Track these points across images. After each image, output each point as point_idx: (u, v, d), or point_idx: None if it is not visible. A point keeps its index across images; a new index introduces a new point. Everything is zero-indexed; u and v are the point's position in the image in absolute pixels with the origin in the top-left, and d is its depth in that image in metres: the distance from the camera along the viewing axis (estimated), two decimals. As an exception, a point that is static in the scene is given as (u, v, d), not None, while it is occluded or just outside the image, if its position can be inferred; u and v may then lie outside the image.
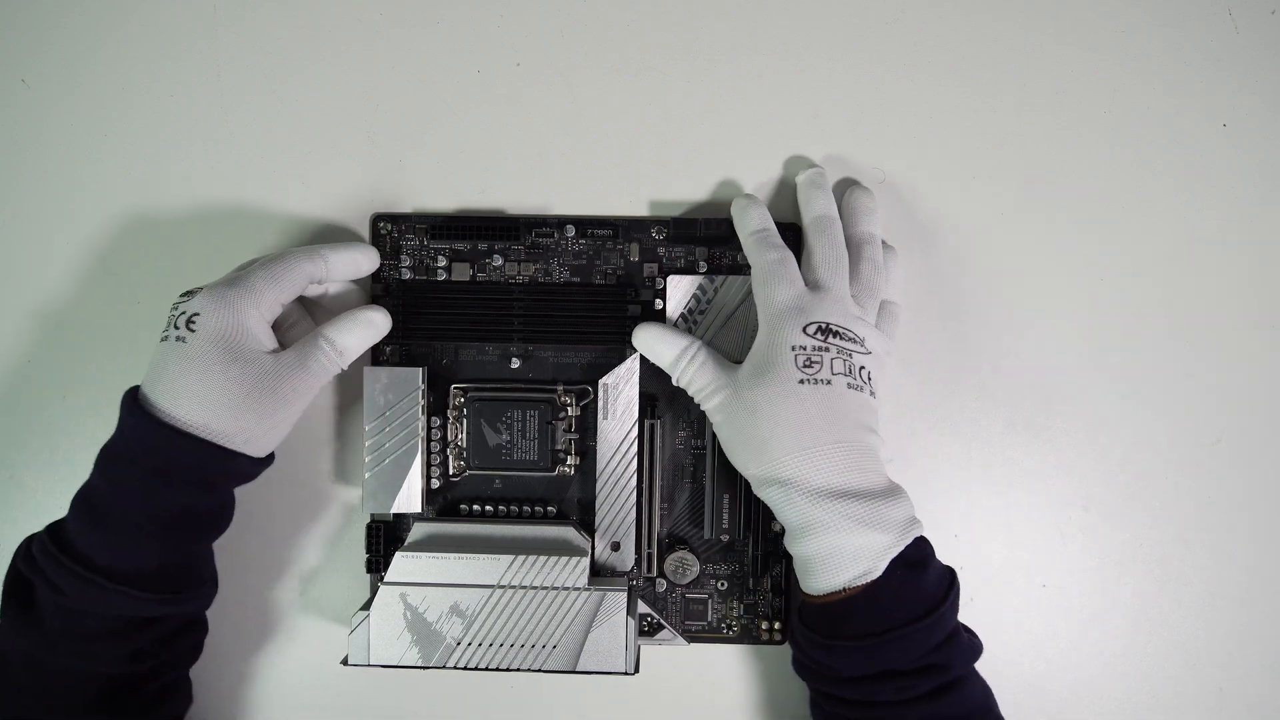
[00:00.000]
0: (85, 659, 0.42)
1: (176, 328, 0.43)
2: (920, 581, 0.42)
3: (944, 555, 0.44)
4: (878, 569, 0.41)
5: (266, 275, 0.44)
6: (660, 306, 0.49)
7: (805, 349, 0.43)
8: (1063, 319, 0.51)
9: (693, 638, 0.50)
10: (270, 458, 0.46)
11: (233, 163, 0.51)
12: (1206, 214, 0.50)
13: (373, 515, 0.50)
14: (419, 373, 0.49)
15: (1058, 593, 0.51)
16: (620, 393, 0.48)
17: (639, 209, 0.51)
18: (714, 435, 0.49)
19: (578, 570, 0.46)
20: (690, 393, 0.46)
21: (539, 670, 0.45)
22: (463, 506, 0.50)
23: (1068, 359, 0.51)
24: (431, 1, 0.51)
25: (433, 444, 0.50)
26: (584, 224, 0.50)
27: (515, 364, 0.50)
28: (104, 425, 0.44)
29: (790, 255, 0.46)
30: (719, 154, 0.51)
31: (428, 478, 0.50)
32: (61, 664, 0.42)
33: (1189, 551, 0.51)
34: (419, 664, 0.46)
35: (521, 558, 0.46)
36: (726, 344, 0.48)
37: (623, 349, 0.49)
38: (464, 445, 0.50)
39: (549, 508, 0.50)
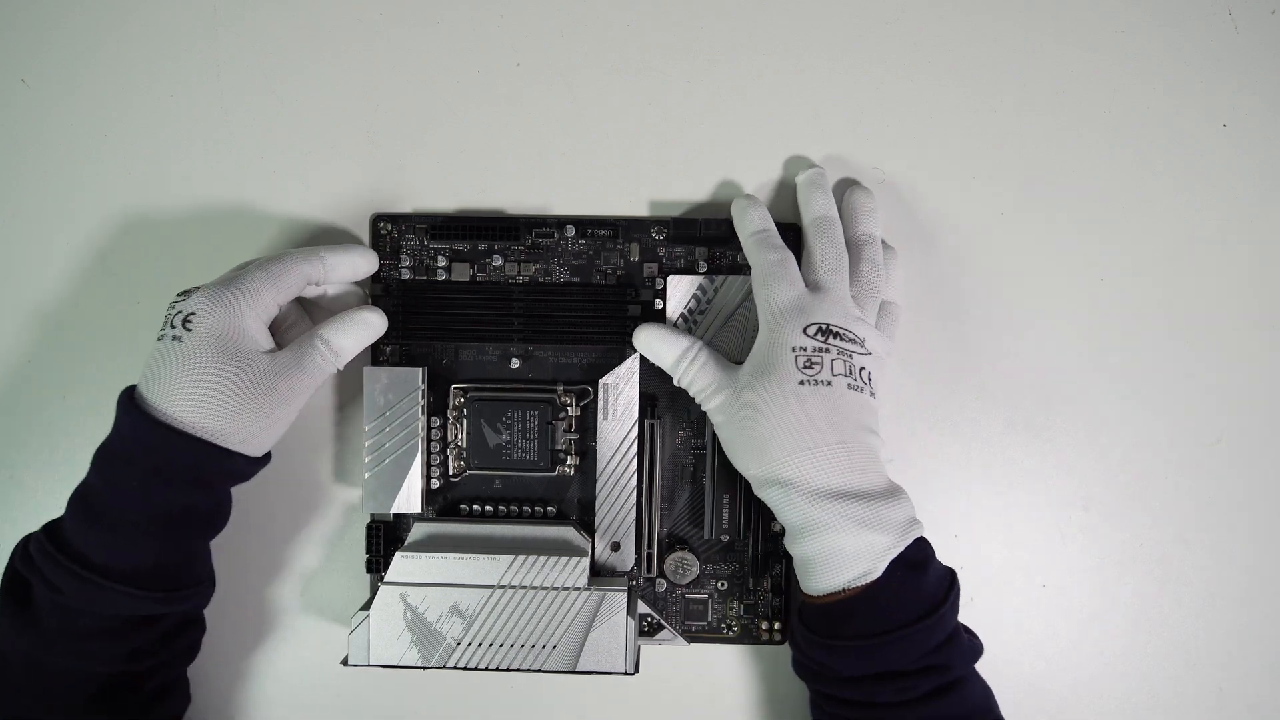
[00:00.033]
0: (83, 658, 0.42)
1: (173, 327, 0.43)
2: (920, 582, 0.42)
3: (944, 555, 0.44)
4: (878, 570, 0.41)
5: (264, 276, 0.44)
6: (660, 306, 0.49)
7: (805, 350, 0.43)
8: (1063, 319, 0.51)
9: (693, 638, 0.50)
10: (267, 457, 0.46)
11: (233, 163, 0.51)
12: (1206, 214, 0.50)
13: (373, 515, 0.50)
14: (419, 373, 0.49)
15: (1058, 593, 0.51)
16: (620, 393, 0.48)
17: (639, 209, 0.51)
18: (714, 435, 0.49)
19: (578, 570, 0.46)
20: (691, 393, 0.46)
21: (539, 670, 0.45)
22: (463, 506, 0.50)
23: (1068, 359, 0.51)
24: (431, 1, 0.51)
25: (433, 444, 0.50)
26: (584, 224, 0.50)
27: (515, 364, 0.50)
28: (104, 425, 0.43)
29: (790, 256, 0.46)
30: (719, 154, 0.51)
31: (428, 478, 0.50)
32: (59, 663, 0.42)
33: (1189, 551, 0.51)
34: (419, 664, 0.46)
35: (521, 558, 0.46)
36: (726, 344, 0.48)
37: (623, 349, 0.49)
38: (464, 445, 0.50)
39: (549, 508, 0.50)
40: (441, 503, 0.50)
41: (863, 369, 0.44)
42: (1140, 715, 0.51)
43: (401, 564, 0.47)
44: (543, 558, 0.46)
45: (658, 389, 0.50)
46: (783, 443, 0.42)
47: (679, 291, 0.48)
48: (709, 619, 0.50)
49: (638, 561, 0.49)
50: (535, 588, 0.46)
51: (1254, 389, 0.50)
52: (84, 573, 0.41)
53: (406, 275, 0.50)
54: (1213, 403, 0.50)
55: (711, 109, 0.51)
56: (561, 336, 0.50)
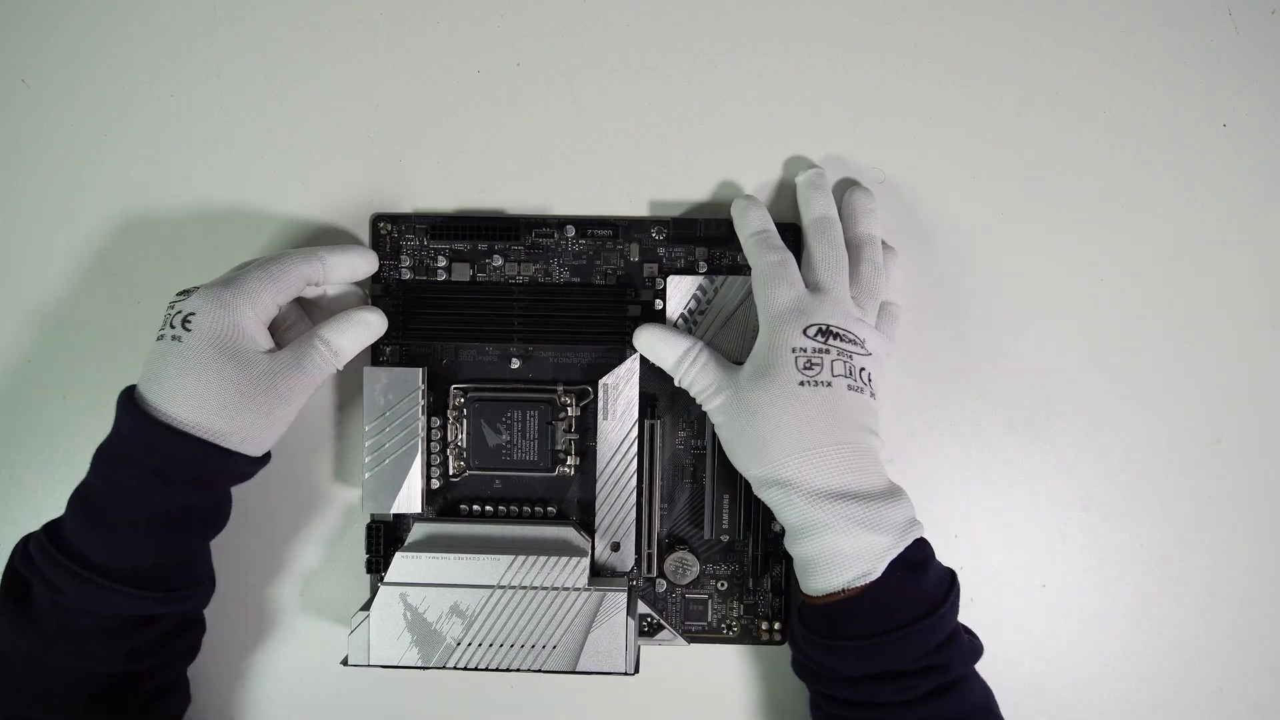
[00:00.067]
0: (82, 658, 0.42)
1: (172, 326, 0.43)
2: (920, 583, 0.42)
3: (944, 555, 0.44)
4: (877, 570, 0.41)
5: (263, 276, 0.44)
6: (660, 307, 0.49)
7: (805, 351, 0.43)
8: (1063, 319, 0.51)
9: (693, 638, 0.50)
10: (267, 457, 0.46)
11: (233, 163, 0.51)
12: (1206, 214, 0.50)
13: (373, 515, 0.50)
14: (419, 373, 0.49)
15: (1058, 593, 0.51)
16: (620, 393, 0.48)
17: (639, 209, 0.51)
18: (714, 435, 0.49)
19: (578, 570, 0.46)
20: (692, 394, 0.46)
21: (539, 670, 0.45)
22: (463, 507, 0.50)
23: (1068, 359, 0.51)
24: (431, 1, 0.51)
25: (433, 444, 0.50)
26: (584, 224, 0.50)
27: (515, 364, 0.50)
28: (103, 425, 0.43)
29: (790, 257, 0.46)
30: (719, 154, 0.51)
31: (428, 478, 0.50)
32: (59, 663, 0.42)
33: (1189, 551, 0.51)
34: (419, 664, 0.46)
35: (521, 558, 0.46)
36: (726, 344, 0.48)
37: (623, 349, 0.49)
38: (464, 445, 0.50)
39: (549, 508, 0.50)
40: (441, 503, 0.50)
41: (863, 369, 0.44)
42: (1140, 715, 0.51)
43: (401, 564, 0.47)
44: (543, 558, 0.46)
45: (658, 389, 0.50)
46: (783, 443, 0.42)
47: (679, 291, 0.48)
48: (709, 619, 0.50)
49: (638, 561, 0.49)
50: (535, 588, 0.46)
51: (1254, 389, 0.50)
52: (84, 572, 0.41)
53: (406, 275, 0.50)
54: (1213, 403, 0.50)
55: (711, 109, 0.51)
56: (561, 336, 0.50)
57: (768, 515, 0.50)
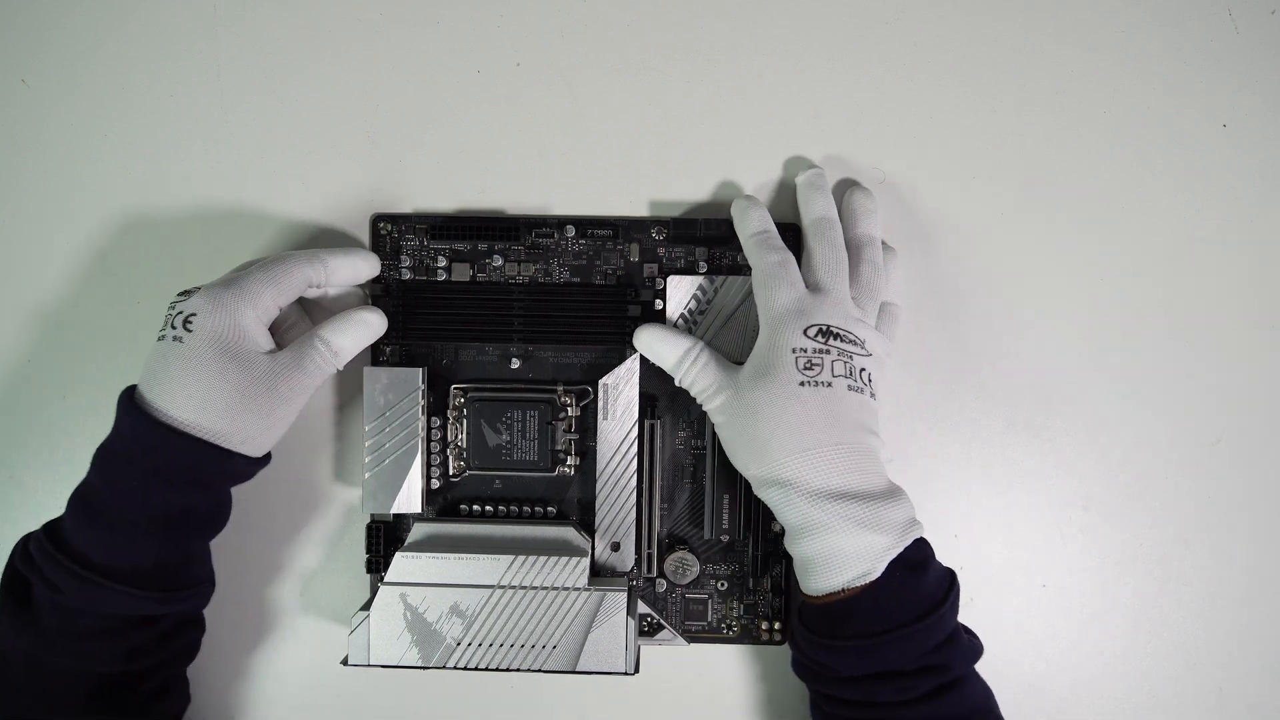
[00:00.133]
0: (82, 658, 0.42)
1: (173, 327, 0.43)
2: (920, 583, 0.42)
3: (944, 555, 0.44)
4: (877, 570, 0.41)
5: (264, 277, 0.44)
6: (660, 307, 0.49)
7: (806, 351, 0.43)
8: (1063, 319, 0.51)
9: (693, 638, 0.50)
10: (267, 458, 0.46)
11: (233, 163, 0.51)
12: (1206, 214, 0.50)
13: (373, 515, 0.50)
14: (419, 373, 0.49)
15: (1058, 593, 0.51)
16: (620, 393, 0.48)
17: (639, 209, 0.51)
18: (714, 435, 0.49)
19: (578, 570, 0.46)
20: (692, 394, 0.46)
21: (539, 670, 0.45)
22: (463, 507, 0.50)
23: (1068, 359, 0.51)
24: (431, 1, 0.51)
25: (433, 444, 0.50)
26: (584, 224, 0.50)
27: (515, 364, 0.50)
28: (104, 425, 0.44)
29: (790, 257, 0.46)
30: (719, 154, 0.51)
31: (428, 478, 0.50)
32: (59, 663, 0.42)
33: (1189, 551, 0.51)
34: (419, 664, 0.46)
35: (521, 558, 0.46)
36: (726, 344, 0.48)
37: (623, 349, 0.49)
38: (464, 445, 0.50)
39: (549, 508, 0.50)
40: (441, 503, 0.50)
41: (863, 370, 0.44)
42: (1140, 715, 0.51)
43: (401, 564, 0.47)
44: (543, 558, 0.46)
45: (658, 389, 0.50)
46: (783, 443, 0.42)
47: (679, 292, 0.48)
48: (709, 619, 0.50)
49: (638, 561, 0.49)
50: (535, 588, 0.46)
51: (1254, 389, 0.50)
52: (83, 572, 0.41)
53: (406, 275, 0.50)
54: (1213, 403, 0.50)
55: (711, 109, 0.51)
56: (561, 336, 0.50)
57: (768, 515, 0.50)
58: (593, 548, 0.48)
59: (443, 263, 0.50)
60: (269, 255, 0.46)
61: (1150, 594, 0.51)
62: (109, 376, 0.51)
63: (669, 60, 0.50)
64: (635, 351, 0.48)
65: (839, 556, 0.41)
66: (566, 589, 0.46)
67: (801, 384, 0.42)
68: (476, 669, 0.45)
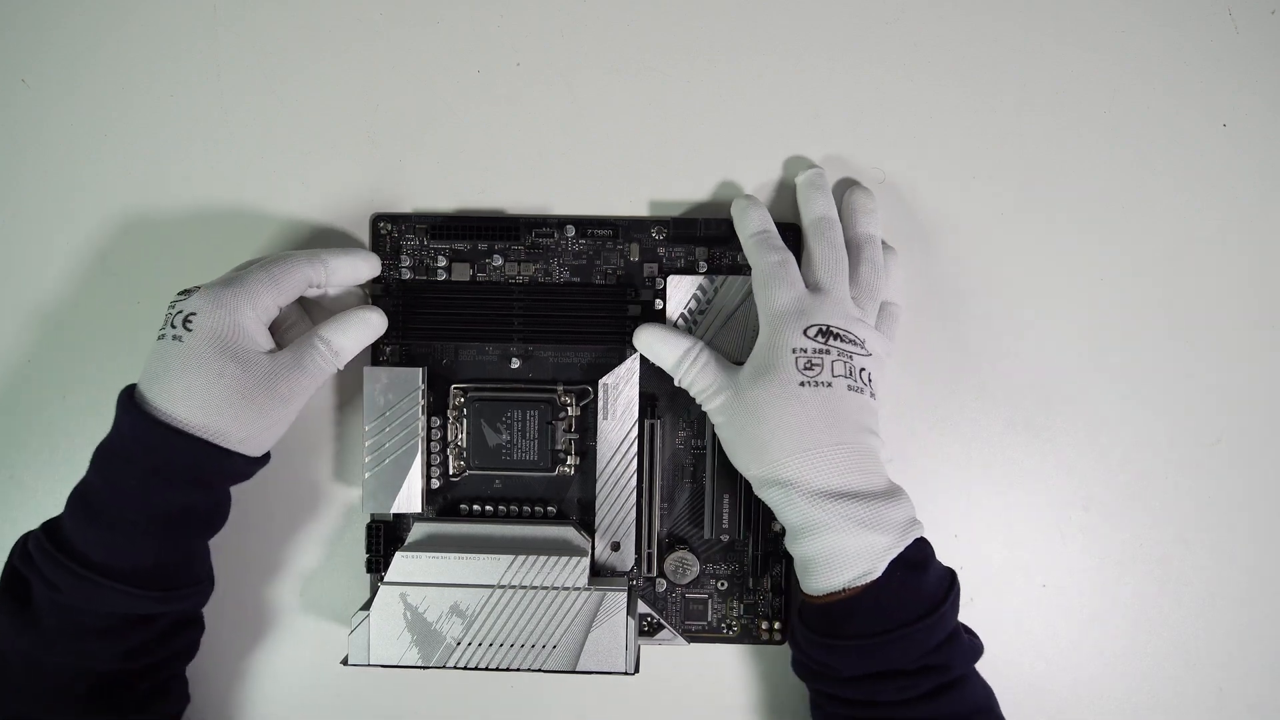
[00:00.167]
0: (81, 657, 0.42)
1: (173, 326, 0.43)
2: (920, 582, 0.42)
3: (944, 555, 0.44)
4: (878, 570, 0.41)
5: (265, 277, 0.44)
6: (660, 306, 0.49)
7: (806, 351, 0.43)
8: (1063, 319, 0.51)
9: (693, 638, 0.50)
10: (266, 457, 0.46)
11: (233, 163, 0.51)
12: (1206, 214, 0.50)
13: (373, 515, 0.50)
14: (419, 373, 0.49)
15: (1058, 593, 0.51)
16: (620, 393, 0.48)
17: (639, 209, 0.51)
18: (714, 435, 0.49)
19: (578, 570, 0.46)
20: (692, 394, 0.46)
21: (539, 670, 0.45)
22: (463, 506, 0.50)
23: (1068, 359, 0.51)
24: (431, 1, 0.51)
25: (433, 444, 0.50)
26: (584, 224, 0.50)
27: (515, 364, 0.50)
28: (103, 425, 0.44)
29: (790, 257, 0.46)
30: (719, 154, 0.51)
31: (428, 478, 0.50)
32: (58, 662, 0.42)
33: (1189, 551, 0.51)
34: (419, 664, 0.46)
35: (521, 558, 0.46)
36: (726, 344, 0.48)
37: (623, 349, 0.49)
38: (464, 445, 0.50)
39: (549, 508, 0.50)
40: (441, 503, 0.50)
41: (863, 370, 0.44)
42: (1140, 715, 0.51)
43: (401, 564, 0.47)
44: (543, 558, 0.46)
45: (658, 389, 0.50)
46: (783, 443, 0.42)
47: (679, 291, 0.48)
48: (709, 619, 0.50)
49: (638, 561, 0.49)
50: (535, 588, 0.46)
51: (1254, 389, 0.50)
52: (82, 571, 0.41)
53: (406, 275, 0.50)
54: (1213, 403, 0.50)
55: (711, 109, 0.51)
56: (561, 336, 0.50)
57: (768, 515, 0.50)
58: (593, 547, 0.48)
59: (443, 262, 0.50)
60: (269, 255, 0.46)
61: (1150, 594, 0.51)
62: (109, 376, 0.51)
63: (669, 60, 0.50)
64: (635, 351, 0.48)
65: (840, 556, 0.41)
66: (566, 589, 0.46)
67: (802, 384, 0.42)
68: (476, 669, 0.45)
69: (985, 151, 0.50)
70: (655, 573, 0.50)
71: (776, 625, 0.50)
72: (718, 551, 0.50)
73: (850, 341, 0.43)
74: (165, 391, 0.42)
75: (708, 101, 0.51)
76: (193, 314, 0.43)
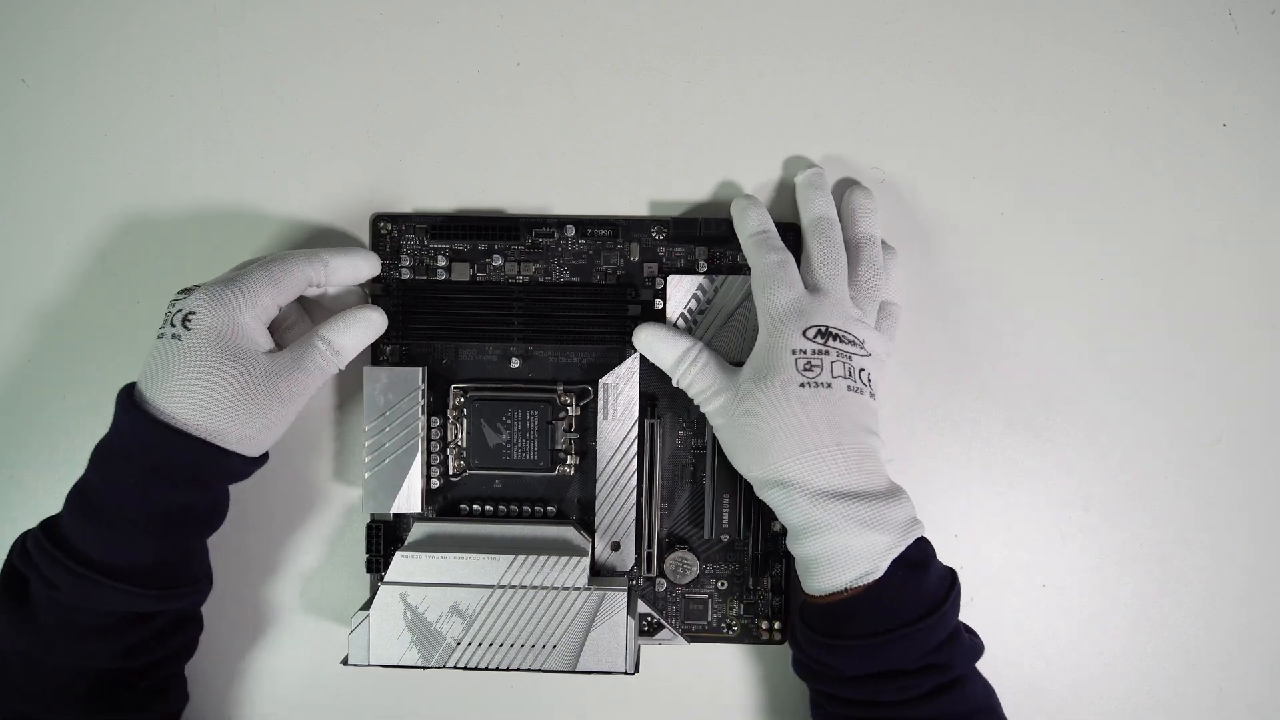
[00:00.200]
0: (80, 655, 0.42)
1: (173, 325, 0.43)
2: (921, 582, 0.42)
3: (944, 555, 0.44)
4: (880, 569, 0.41)
5: (264, 276, 0.44)
6: (660, 306, 0.49)
7: (805, 353, 0.43)
8: (1063, 319, 0.51)
9: (693, 638, 0.50)
10: (264, 457, 0.46)
11: (233, 163, 0.51)
12: (1206, 214, 0.50)
13: (373, 515, 0.50)
14: (419, 373, 0.49)
15: (1058, 593, 0.51)
16: (620, 393, 0.48)
17: (639, 209, 0.51)
18: (714, 435, 0.49)
19: (578, 570, 0.46)
20: (690, 395, 0.46)
21: (539, 670, 0.45)
22: (463, 506, 0.50)
23: (1068, 359, 0.51)
24: (431, 1, 0.51)
25: (433, 444, 0.50)
26: (584, 224, 0.50)
27: (515, 364, 0.50)
28: (104, 425, 0.44)
29: (790, 258, 0.46)
30: (719, 154, 0.51)
31: (428, 478, 0.50)
32: (56, 660, 0.42)
33: (1189, 551, 0.51)
34: (419, 664, 0.46)
35: (521, 558, 0.46)
36: (726, 344, 0.48)
37: (623, 349, 0.49)
38: (464, 445, 0.50)
39: (549, 508, 0.50)
40: (441, 502, 0.50)
41: (862, 370, 0.44)
42: (1140, 715, 0.51)
43: (401, 564, 0.47)
44: (543, 557, 0.46)
45: (658, 389, 0.50)
46: (784, 445, 0.42)
47: (679, 291, 0.48)
48: (709, 619, 0.50)
49: (638, 561, 0.49)
50: (535, 587, 0.46)
51: (1254, 389, 0.50)
52: (80, 569, 0.41)
53: (406, 275, 0.50)
54: (1213, 403, 0.50)
55: (711, 109, 0.51)
56: (561, 336, 0.50)
57: (768, 515, 0.50)
58: (593, 547, 0.48)
59: (443, 262, 0.50)
60: (269, 254, 0.46)
61: (1150, 594, 0.51)
62: (109, 376, 0.51)
63: (669, 60, 0.50)
64: (635, 351, 0.48)
65: (842, 556, 0.41)
66: (566, 589, 0.46)
67: (802, 385, 0.42)
68: (476, 669, 0.45)
69: (985, 151, 0.50)
70: (655, 573, 0.50)
71: (776, 625, 0.50)
72: (718, 551, 0.50)
73: (849, 342, 0.43)
74: (164, 390, 0.42)
75: (708, 101, 0.51)
76: (192, 313, 0.43)
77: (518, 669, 0.45)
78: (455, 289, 0.50)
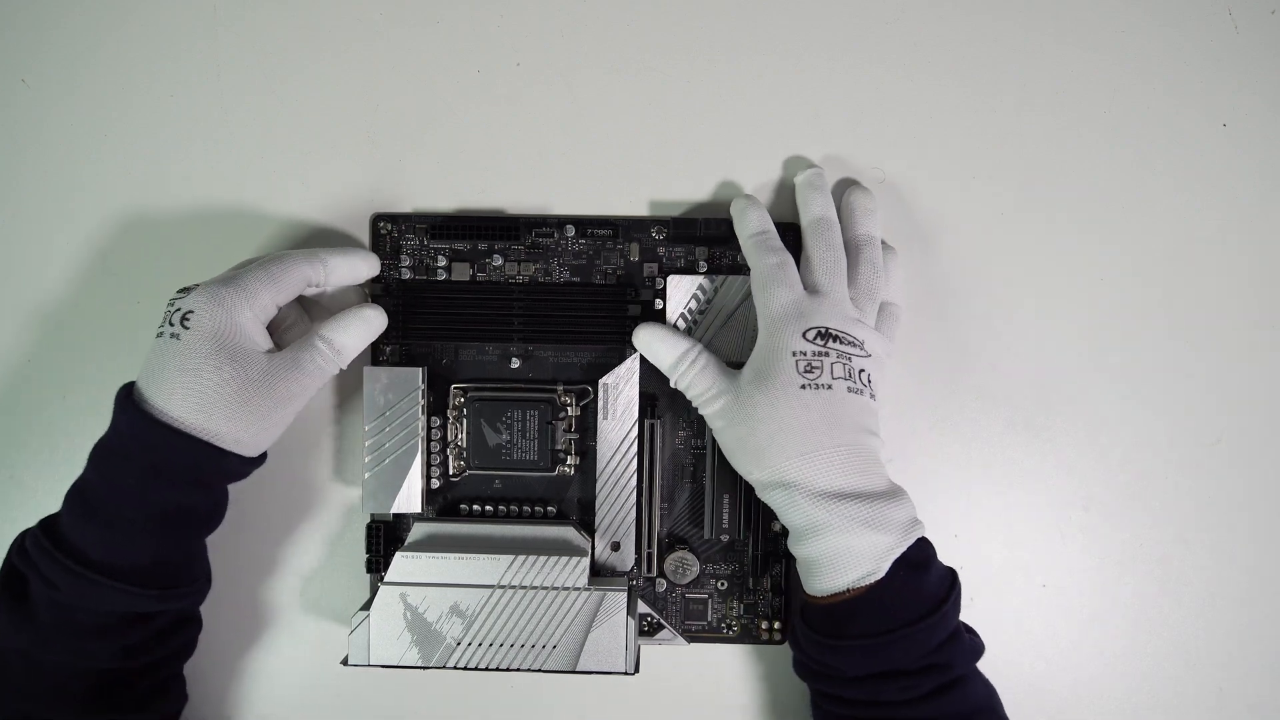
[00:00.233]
0: (78, 655, 0.42)
1: (171, 324, 0.43)
2: (922, 582, 0.42)
3: (944, 555, 0.44)
4: (881, 569, 0.41)
5: (263, 275, 0.44)
6: (660, 306, 0.49)
7: (806, 354, 0.43)
8: (1062, 319, 0.51)
9: (693, 638, 0.50)
10: (263, 457, 0.46)
11: (233, 163, 0.51)
12: (1206, 214, 0.50)
13: (373, 515, 0.50)
14: (419, 373, 0.49)
15: (1058, 593, 0.51)
16: (620, 393, 0.48)
17: (639, 209, 0.51)
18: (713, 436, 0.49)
19: (578, 570, 0.46)
20: (689, 396, 0.46)
21: (539, 670, 0.45)
22: (463, 506, 0.50)
23: (1068, 359, 0.51)
24: (431, 1, 0.51)
25: (433, 444, 0.50)
26: (584, 224, 0.50)
27: (515, 364, 0.50)
28: (103, 425, 0.44)
29: (789, 259, 0.46)
30: (719, 154, 0.51)
31: (428, 478, 0.50)
32: (55, 660, 0.42)
33: (1189, 551, 0.51)
34: (419, 664, 0.46)
35: (521, 558, 0.46)
36: (726, 344, 0.48)
37: (623, 349, 0.49)
38: (464, 445, 0.50)
39: (549, 508, 0.50)
40: (441, 503, 0.50)
41: (862, 371, 0.44)
42: (1140, 715, 0.51)
43: (401, 564, 0.47)
44: (543, 558, 0.46)
45: (658, 389, 0.50)
46: (785, 446, 0.42)
47: (679, 291, 0.48)
48: (709, 619, 0.50)
49: (638, 561, 0.49)
50: (535, 588, 0.46)
51: (1254, 389, 0.50)
52: (79, 569, 0.41)
53: (406, 275, 0.50)
54: (1213, 403, 0.50)
55: (711, 109, 0.51)
56: (561, 336, 0.50)
57: (768, 515, 0.50)
58: (593, 547, 0.48)
59: (443, 262, 0.50)
60: (268, 254, 0.46)
61: (1150, 594, 0.51)
62: (109, 376, 0.51)
63: (669, 60, 0.50)
64: (635, 351, 0.48)
65: (845, 557, 0.42)
66: (566, 589, 0.46)
67: (803, 387, 0.42)
68: (476, 669, 0.45)
69: (985, 151, 0.50)
70: (655, 573, 0.50)
71: (776, 625, 0.50)
72: (718, 551, 0.50)
73: (849, 343, 0.43)
74: (162, 390, 0.42)
75: (708, 101, 0.51)
76: (190, 312, 0.43)
77: (518, 669, 0.45)
78: (455, 289, 0.50)
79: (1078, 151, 0.50)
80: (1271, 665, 0.51)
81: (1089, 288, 0.50)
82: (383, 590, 0.46)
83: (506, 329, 0.50)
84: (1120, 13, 0.50)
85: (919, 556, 0.42)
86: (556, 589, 0.46)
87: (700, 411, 0.46)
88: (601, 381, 0.48)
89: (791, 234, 0.48)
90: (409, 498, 0.48)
